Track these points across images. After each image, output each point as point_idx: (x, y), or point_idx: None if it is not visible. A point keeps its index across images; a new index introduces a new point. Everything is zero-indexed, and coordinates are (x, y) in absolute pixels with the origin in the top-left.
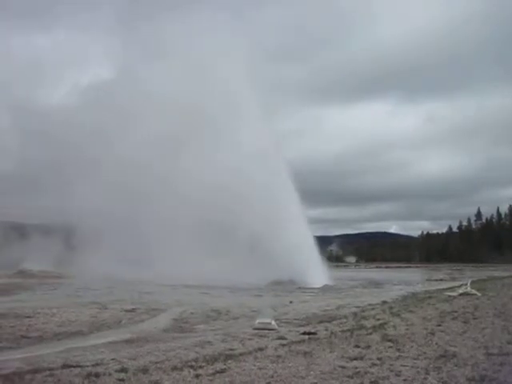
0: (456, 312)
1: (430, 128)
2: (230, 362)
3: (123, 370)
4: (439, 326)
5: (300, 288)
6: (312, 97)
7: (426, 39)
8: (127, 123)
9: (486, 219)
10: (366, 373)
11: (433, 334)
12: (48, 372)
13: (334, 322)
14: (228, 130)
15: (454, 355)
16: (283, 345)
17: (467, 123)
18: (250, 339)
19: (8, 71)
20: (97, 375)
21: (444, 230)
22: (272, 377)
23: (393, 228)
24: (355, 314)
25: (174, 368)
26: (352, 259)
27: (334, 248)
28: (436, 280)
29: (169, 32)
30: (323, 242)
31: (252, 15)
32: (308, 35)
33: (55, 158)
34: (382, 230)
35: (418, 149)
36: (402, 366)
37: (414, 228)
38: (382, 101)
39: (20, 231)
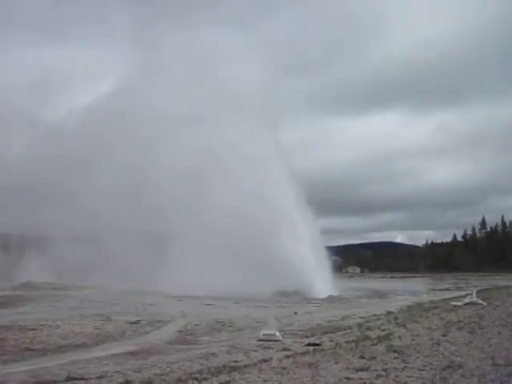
0: (462, 322)
1: (439, 138)
2: (234, 373)
3: (127, 382)
4: (445, 336)
5: (304, 299)
6: (324, 108)
7: (437, 49)
8: (139, 139)
9: (491, 228)
10: None
11: (438, 344)
12: None
13: (339, 333)
14: (237, 142)
15: (461, 366)
16: (288, 356)
17: (476, 133)
18: (254, 351)
19: (13, 84)
20: None
21: (449, 239)
22: None
23: (398, 238)
24: (360, 324)
25: (179, 380)
26: (356, 269)
27: (338, 258)
28: (441, 290)
29: (178, 46)
30: (328, 252)
31: (262, 28)
32: (320, 47)
33: (59, 169)
34: (387, 240)
35: (427, 158)
36: (407, 377)
37: (419, 237)
38: (393, 111)
39: (23, 243)
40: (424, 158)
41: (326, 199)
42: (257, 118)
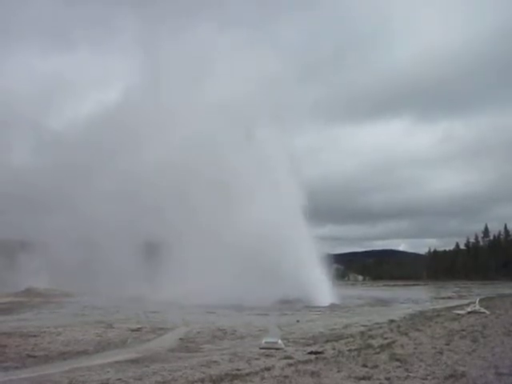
0: (464, 331)
1: (444, 146)
2: (236, 382)
3: None
4: (448, 344)
5: (307, 307)
6: (329, 115)
7: (443, 58)
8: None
9: (494, 236)
10: None
11: (441, 353)
12: None
13: (341, 341)
14: (240, 150)
15: (464, 375)
16: (290, 364)
17: (482, 141)
18: (256, 359)
19: (16, 91)
20: None
21: (452, 247)
22: None
23: (401, 246)
24: (362, 332)
25: None
26: (359, 277)
27: (340, 266)
28: (444, 298)
29: (181, 51)
30: (330, 259)
31: (268, 33)
32: (325, 54)
33: (60, 176)
34: (390, 248)
35: (432, 167)
36: None
37: (422, 245)
38: (398, 119)
39: (25, 249)
40: (428, 167)
41: (328, 206)
42: (261, 123)
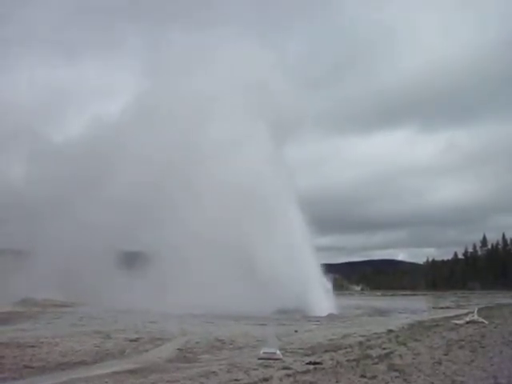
0: (463, 341)
1: (447, 156)
2: None
3: None
4: (446, 355)
5: (305, 317)
6: (331, 125)
7: (445, 69)
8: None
9: (492, 246)
10: None
11: (440, 363)
12: None
13: (340, 352)
14: (239, 156)
15: None
16: (288, 375)
17: (485, 151)
18: (254, 369)
19: (16, 101)
20: None
21: (450, 256)
22: None
23: (400, 255)
24: (361, 343)
25: None
26: (357, 287)
27: (339, 276)
28: (442, 308)
29: (183, 61)
30: (329, 269)
31: (271, 43)
32: (327, 65)
33: (60, 187)
34: (389, 258)
35: (434, 176)
36: None
37: (421, 255)
38: (401, 129)
39: (23, 259)
40: (430, 176)
41: (328, 216)
42: (263, 133)
